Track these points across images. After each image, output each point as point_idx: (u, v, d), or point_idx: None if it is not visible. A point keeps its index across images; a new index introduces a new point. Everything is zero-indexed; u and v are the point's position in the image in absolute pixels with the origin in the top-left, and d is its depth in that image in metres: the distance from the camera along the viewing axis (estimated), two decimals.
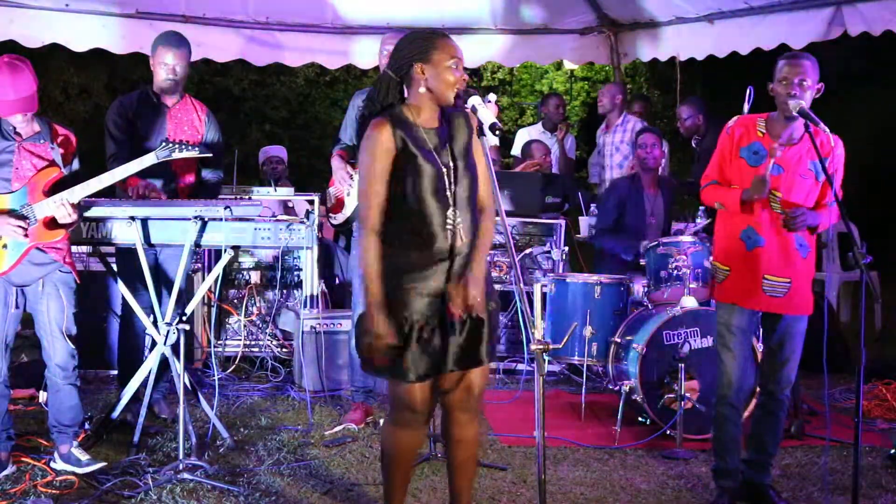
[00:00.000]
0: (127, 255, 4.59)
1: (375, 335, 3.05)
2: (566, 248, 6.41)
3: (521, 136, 7.75)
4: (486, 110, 3.06)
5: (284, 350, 6.20)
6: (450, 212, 3.13)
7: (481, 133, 3.07)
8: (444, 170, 3.14)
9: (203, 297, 5.66)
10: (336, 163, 4.94)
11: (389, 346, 3.06)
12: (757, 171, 3.68)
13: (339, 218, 5.05)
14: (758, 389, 4.11)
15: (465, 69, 3.18)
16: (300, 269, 6.30)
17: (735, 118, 3.83)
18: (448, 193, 3.13)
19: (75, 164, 4.10)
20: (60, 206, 3.87)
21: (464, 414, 3.29)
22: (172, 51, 4.74)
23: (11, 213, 3.87)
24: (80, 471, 4.03)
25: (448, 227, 3.13)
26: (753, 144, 3.71)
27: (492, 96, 3.17)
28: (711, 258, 3.93)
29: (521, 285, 2.82)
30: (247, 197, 6.26)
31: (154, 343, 4.42)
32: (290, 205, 6.44)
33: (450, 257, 3.13)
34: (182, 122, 4.82)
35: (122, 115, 4.80)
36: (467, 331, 3.14)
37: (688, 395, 4.67)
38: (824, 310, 4.33)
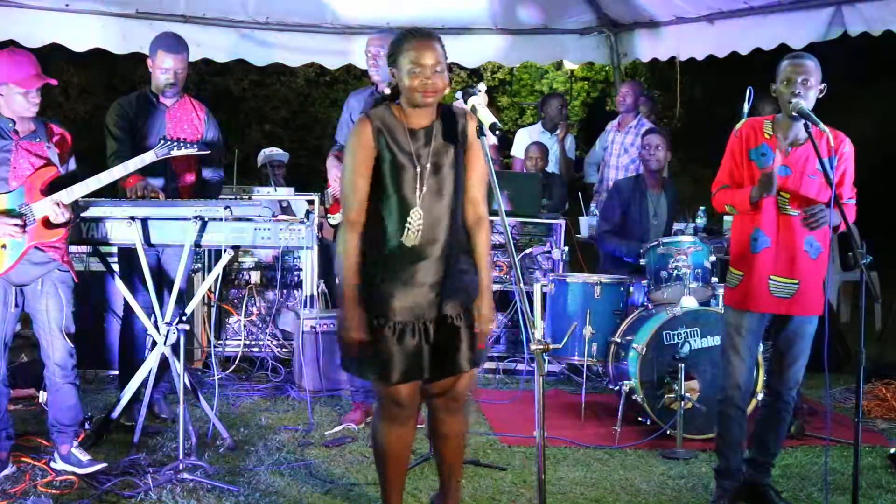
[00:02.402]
0: (128, 254, 4.59)
1: (349, 330, 3.14)
2: (566, 248, 6.41)
3: (521, 136, 7.74)
4: (486, 110, 3.07)
5: (284, 350, 6.19)
6: (413, 211, 3.15)
7: (481, 133, 3.08)
8: (420, 170, 3.15)
9: (203, 297, 5.66)
10: (331, 162, 4.96)
11: (362, 342, 3.14)
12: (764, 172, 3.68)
13: (337, 218, 5.06)
14: (762, 390, 4.11)
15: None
16: (300, 269, 6.30)
17: (743, 121, 3.84)
18: (417, 194, 3.15)
19: (72, 164, 4.10)
20: (53, 206, 3.87)
21: (446, 413, 3.34)
22: (172, 55, 4.73)
23: (8, 213, 3.87)
24: (80, 471, 4.03)
25: (407, 226, 3.15)
26: (761, 146, 3.72)
27: (481, 86, 3.16)
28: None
29: (521, 285, 2.83)
30: (247, 197, 6.26)
31: (154, 343, 4.42)
32: (285, 205, 6.43)
33: (413, 258, 3.16)
34: (181, 122, 4.82)
35: (122, 115, 4.80)
36: (444, 339, 3.18)
37: (688, 395, 4.67)
38: (824, 310, 4.32)
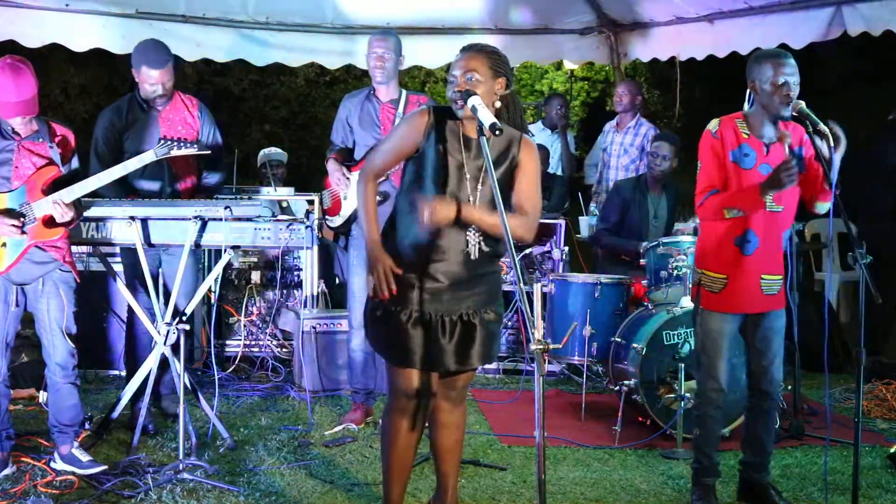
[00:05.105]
0: (131, 254, 4.57)
1: (380, 268, 3.18)
2: (566, 248, 6.41)
3: None
4: (485, 111, 3.07)
5: (284, 350, 6.20)
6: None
7: (481, 133, 3.09)
8: (469, 175, 3.22)
9: (203, 297, 5.66)
10: (332, 165, 4.94)
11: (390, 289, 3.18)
12: (749, 173, 3.68)
13: (336, 220, 5.05)
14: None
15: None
16: (300, 269, 6.30)
17: (717, 121, 3.79)
18: (470, 199, 3.22)
19: (74, 163, 4.10)
20: (55, 206, 3.87)
21: (446, 402, 3.43)
22: (157, 70, 4.62)
23: (9, 211, 3.87)
24: (80, 471, 4.03)
25: (468, 238, 3.21)
26: (743, 147, 3.72)
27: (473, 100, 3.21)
28: (696, 267, 3.92)
29: (522, 285, 2.83)
30: (247, 197, 6.25)
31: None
32: (285, 205, 6.45)
33: (439, 260, 3.22)
34: (175, 123, 4.75)
35: (110, 127, 4.71)
36: (459, 334, 3.25)
37: (688, 395, 4.66)
38: (824, 310, 4.32)
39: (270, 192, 6.55)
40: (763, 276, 3.75)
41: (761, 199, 3.63)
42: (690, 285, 5.05)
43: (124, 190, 4.62)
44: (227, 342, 6.21)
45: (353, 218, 4.94)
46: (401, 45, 4.90)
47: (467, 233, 3.22)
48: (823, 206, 3.72)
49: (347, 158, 4.97)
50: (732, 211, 3.69)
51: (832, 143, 3.57)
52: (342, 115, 5.03)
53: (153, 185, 4.70)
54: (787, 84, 3.61)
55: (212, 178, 4.94)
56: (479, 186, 3.24)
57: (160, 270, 4.72)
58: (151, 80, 4.64)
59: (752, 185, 3.65)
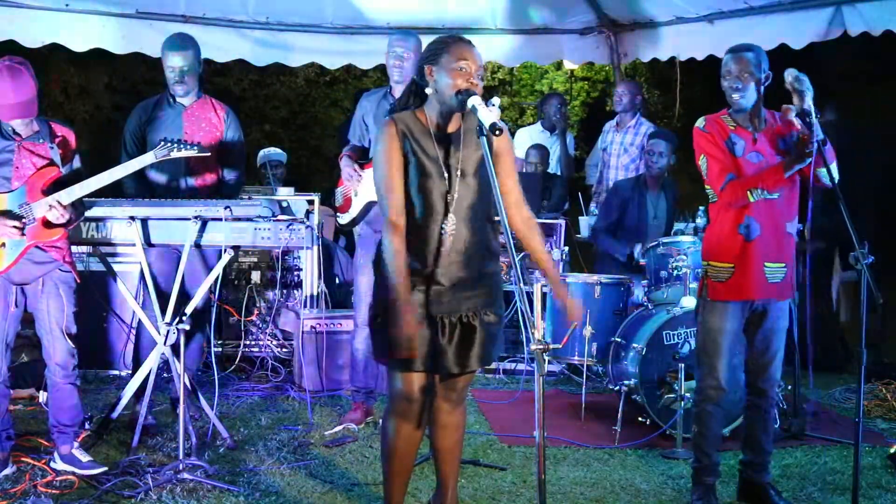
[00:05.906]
0: (147, 253, 4.54)
1: (402, 330, 3.03)
2: (566, 248, 6.41)
3: (521, 136, 7.74)
4: (485, 110, 3.07)
5: (284, 350, 6.20)
6: (449, 217, 3.19)
7: (481, 133, 3.08)
8: (447, 174, 3.19)
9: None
10: (344, 161, 4.96)
11: (412, 340, 3.03)
12: (739, 161, 3.73)
13: (345, 217, 5.07)
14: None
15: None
16: (300, 269, 6.30)
17: (703, 121, 3.83)
18: (448, 199, 3.19)
19: (76, 163, 4.10)
20: (52, 208, 3.87)
21: (446, 403, 3.40)
22: (176, 53, 4.70)
23: (8, 213, 3.87)
24: (80, 472, 4.03)
25: (442, 232, 3.18)
26: (731, 137, 3.78)
27: (495, 100, 3.19)
28: (703, 260, 3.92)
29: (522, 285, 2.83)
30: (247, 196, 6.25)
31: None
32: (284, 205, 6.42)
33: (436, 263, 3.20)
34: (199, 121, 4.79)
35: (138, 123, 4.78)
36: (458, 336, 3.23)
37: (688, 395, 4.67)
38: (830, 309, 4.33)
39: (277, 192, 6.52)
40: (766, 263, 3.76)
41: (785, 175, 3.66)
42: (697, 281, 5.07)
43: (144, 185, 4.68)
44: (227, 342, 6.20)
45: (360, 216, 4.95)
46: (421, 45, 4.92)
47: (441, 231, 3.18)
48: (823, 173, 3.64)
49: (362, 156, 4.98)
50: (756, 192, 3.70)
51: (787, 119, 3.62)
52: (359, 114, 5.04)
53: (169, 180, 4.71)
54: (728, 72, 3.70)
55: (231, 176, 4.95)
56: (459, 182, 3.20)
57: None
58: (170, 63, 4.70)
59: (776, 164, 3.70)
